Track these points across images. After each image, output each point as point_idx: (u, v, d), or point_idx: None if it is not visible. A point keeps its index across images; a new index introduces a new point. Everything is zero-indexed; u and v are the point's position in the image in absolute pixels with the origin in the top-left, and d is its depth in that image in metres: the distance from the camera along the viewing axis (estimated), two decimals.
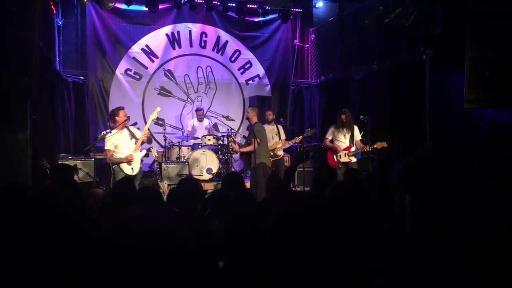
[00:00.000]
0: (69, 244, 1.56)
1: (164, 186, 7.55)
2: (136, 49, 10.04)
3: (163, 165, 8.11)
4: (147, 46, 10.13)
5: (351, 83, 9.30)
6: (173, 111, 10.35)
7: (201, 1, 9.90)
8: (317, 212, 1.37)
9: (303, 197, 3.58)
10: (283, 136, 8.43)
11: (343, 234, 1.32)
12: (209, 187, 8.11)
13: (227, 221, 2.58)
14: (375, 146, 7.08)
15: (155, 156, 7.73)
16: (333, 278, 1.28)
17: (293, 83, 11.35)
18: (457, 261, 0.90)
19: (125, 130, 6.50)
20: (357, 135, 7.46)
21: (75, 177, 6.49)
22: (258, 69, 11.03)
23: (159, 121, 9.91)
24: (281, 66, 11.11)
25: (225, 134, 9.27)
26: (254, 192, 6.84)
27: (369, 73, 8.72)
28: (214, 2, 9.96)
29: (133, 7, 9.67)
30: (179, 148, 8.95)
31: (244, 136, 8.56)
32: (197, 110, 9.94)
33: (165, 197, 5.26)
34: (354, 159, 7.40)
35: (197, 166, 8.57)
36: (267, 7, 10.29)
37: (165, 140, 8.91)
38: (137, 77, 10.13)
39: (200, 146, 8.96)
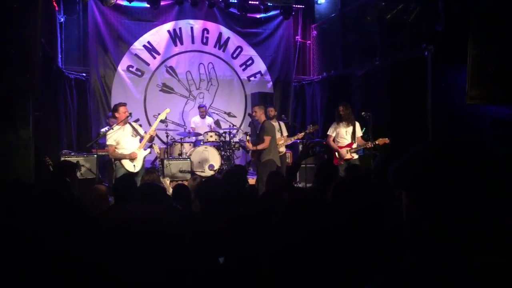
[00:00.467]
0: (68, 244, 1.57)
1: (166, 183, 7.57)
2: (138, 45, 10.04)
3: (165, 161, 8.13)
4: (149, 42, 10.13)
5: (353, 79, 9.28)
6: (175, 107, 10.35)
7: None
8: (319, 212, 1.38)
9: (305, 195, 3.59)
10: (285, 133, 8.44)
11: (345, 233, 1.32)
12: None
13: (227, 218, 2.59)
14: (377, 142, 7.05)
15: (157, 152, 7.75)
16: (334, 276, 1.28)
17: (295, 80, 11.34)
18: (454, 260, 0.90)
19: (127, 126, 6.52)
20: (358, 132, 7.43)
21: (77, 174, 6.50)
22: (260, 65, 11.02)
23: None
24: (283, 62, 11.10)
25: (227, 130, 9.28)
26: (256, 187, 6.90)
27: (371, 70, 8.69)
28: None
29: (135, 3, 9.67)
30: (181, 144, 8.96)
31: (246, 133, 8.55)
32: (199, 107, 9.95)
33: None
34: (356, 156, 7.38)
35: (199, 162, 8.58)
36: (268, 4, 10.27)
37: (167, 136, 8.93)
38: (139, 73, 10.13)
39: (202, 143, 8.97)
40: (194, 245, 1.19)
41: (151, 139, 6.77)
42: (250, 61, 10.97)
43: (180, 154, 8.79)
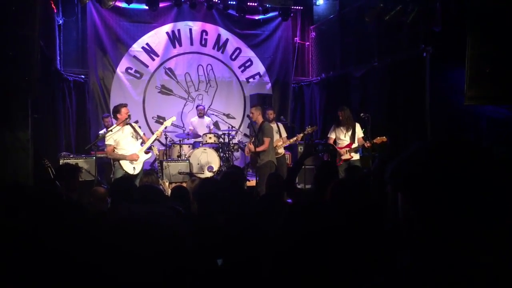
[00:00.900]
0: (66, 245, 1.57)
1: (165, 184, 7.56)
2: (136, 47, 10.04)
3: (164, 163, 8.12)
4: (147, 44, 10.13)
5: (352, 80, 9.29)
6: (174, 109, 10.35)
7: None
8: (318, 212, 1.38)
9: (307, 198, 3.58)
10: (284, 134, 8.43)
11: (343, 234, 1.33)
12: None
13: (226, 220, 2.58)
14: (374, 141, 7.09)
15: (156, 154, 7.74)
16: (333, 277, 1.28)
17: (294, 81, 11.34)
18: (452, 260, 0.90)
19: (127, 127, 6.51)
20: (359, 133, 7.45)
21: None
22: (258, 67, 11.03)
23: (160, 120, 9.93)
24: (281, 64, 11.10)
25: (226, 132, 9.28)
26: (258, 189, 6.90)
27: (370, 71, 8.70)
28: (214, 0, 9.96)
29: (134, 5, 9.67)
30: (180, 146, 8.96)
31: (245, 134, 8.56)
32: (197, 107, 9.96)
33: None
34: (356, 156, 7.39)
35: (198, 164, 8.57)
36: (267, 5, 10.27)
37: (166, 138, 8.92)
38: (138, 75, 10.14)
39: (201, 144, 8.97)
40: (192, 246, 1.19)
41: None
42: (249, 63, 10.97)
43: (179, 156, 8.79)
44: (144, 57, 10.13)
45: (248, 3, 10.09)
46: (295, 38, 11.32)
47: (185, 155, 8.82)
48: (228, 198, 3.20)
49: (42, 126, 6.85)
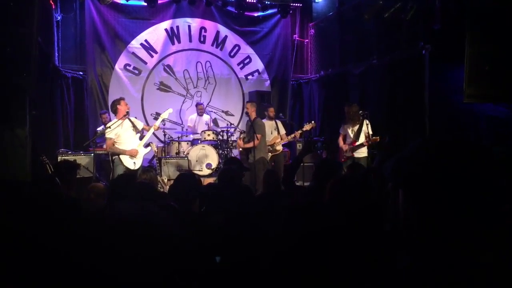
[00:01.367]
0: (63, 245, 1.56)
1: (164, 181, 7.57)
2: (135, 44, 10.02)
3: (163, 160, 8.12)
4: (146, 41, 10.10)
5: (351, 78, 9.28)
6: (173, 106, 10.27)
7: None
8: (318, 211, 1.38)
9: (306, 197, 3.58)
10: (282, 131, 8.43)
11: (343, 233, 1.32)
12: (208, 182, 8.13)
13: (225, 218, 2.58)
14: (370, 142, 7.13)
15: (155, 151, 7.74)
16: (334, 277, 1.28)
17: (293, 78, 11.33)
18: (452, 259, 0.90)
19: (126, 121, 6.51)
20: (367, 130, 7.30)
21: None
22: (257, 64, 11.01)
23: (158, 116, 9.91)
24: (280, 61, 11.09)
25: (224, 129, 9.27)
26: (254, 187, 6.88)
27: (369, 68, 8.70)
28: None
29: (132, 2, 9.64)
30: (179, 143, 8.95)
31: (243, 131, 8.56)
32: (197, 105, 9.94)
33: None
34: (362, 154, 7.33)
35: (196, 161, 8.57)
36: (266, 2, 10.26)
37: (164, 135, 8.92)
38: (136, 72, 10.11)
39: (199, 141, 8.97)
40: (188, 245, 1.18)
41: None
42: (247, 60, 10.96)
43: (178, 153, 8.79)
44: (142, 53, 10.11)
45: (247, 0, 10.06)
46: (294, 35, 11.31)
47: (184, 152, 8.81)
48: (227, 197, 3.20)
49: (40, 123, 6.84)
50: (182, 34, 10.42)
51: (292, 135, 8.37)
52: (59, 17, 9.19)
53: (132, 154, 6.38)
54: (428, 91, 6.92)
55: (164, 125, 9.21)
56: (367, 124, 7.30)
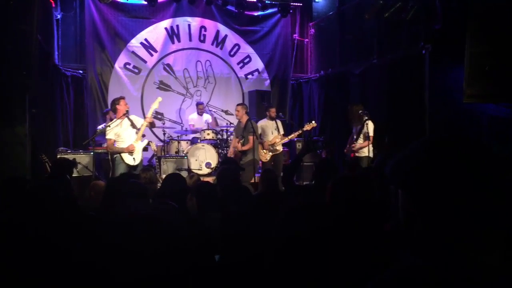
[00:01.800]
0: (65, 242, 1.56)
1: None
2: (135, 43, 10.01)
3: (162, 159, 8.12)
4: (146, 40, 10.10)
5: (351, 77, 9.27)
6: (172, 105, 10.33)
7: None
8: (318, 211, 1.38)
9: (305, 197, 3.58)
10: (282, 131, 8.42)
11: (343, 233, 1.32)
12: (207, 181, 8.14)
13: (223, 217, 2.57)
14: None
15: (154, 150, 7.74)
16: (335, 277, 1.28)
17: (293, 78, 11.32)
18: (453, 259, 0.90)
19: (125, 120, 6.51)
20: (370, 131, 7.11)
21: (74, 171, 6.49)
22: (257, 63, 11.01)
23: (158, 115, 9.90)
24: (280, 60, 11.08)
25: (224, 128, 9.26)
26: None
27: (369, 68, 8.69)
28: None
29: (132, 0, 9.64)
30: (178, 142, 8.95)
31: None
32: (197, 104, 9.93)
33: None
34: (362, 154, 7.29)
35: (196, 160, 8.57)
36: (266, 1, 10.25)
37: (164, 134, 8.91)
38: (136, 71, 10.10)
39: (199, 141, 8.96)
40: (191, 244, 1.18)
41: (153, 125, 6.81)
42: (247, 59, 10.95)
43: (177, 152, 8.78)
44: (142, 52, 10.10)
45: None
46: (294, 35, 11.30)
47: (183, 151, 8.81)
48: (226, 196, 3.20)
49: (40, 121, 6.84)
50: (182, 33, 10.41)
51: (292, 135, 8.36)
52: (59, 16, 9.18)
53: (130, 150, 6.38)
54: (428, 91, 6.92)
55: (163, 124, 9.23)
56: (366, 124, 7.27)
